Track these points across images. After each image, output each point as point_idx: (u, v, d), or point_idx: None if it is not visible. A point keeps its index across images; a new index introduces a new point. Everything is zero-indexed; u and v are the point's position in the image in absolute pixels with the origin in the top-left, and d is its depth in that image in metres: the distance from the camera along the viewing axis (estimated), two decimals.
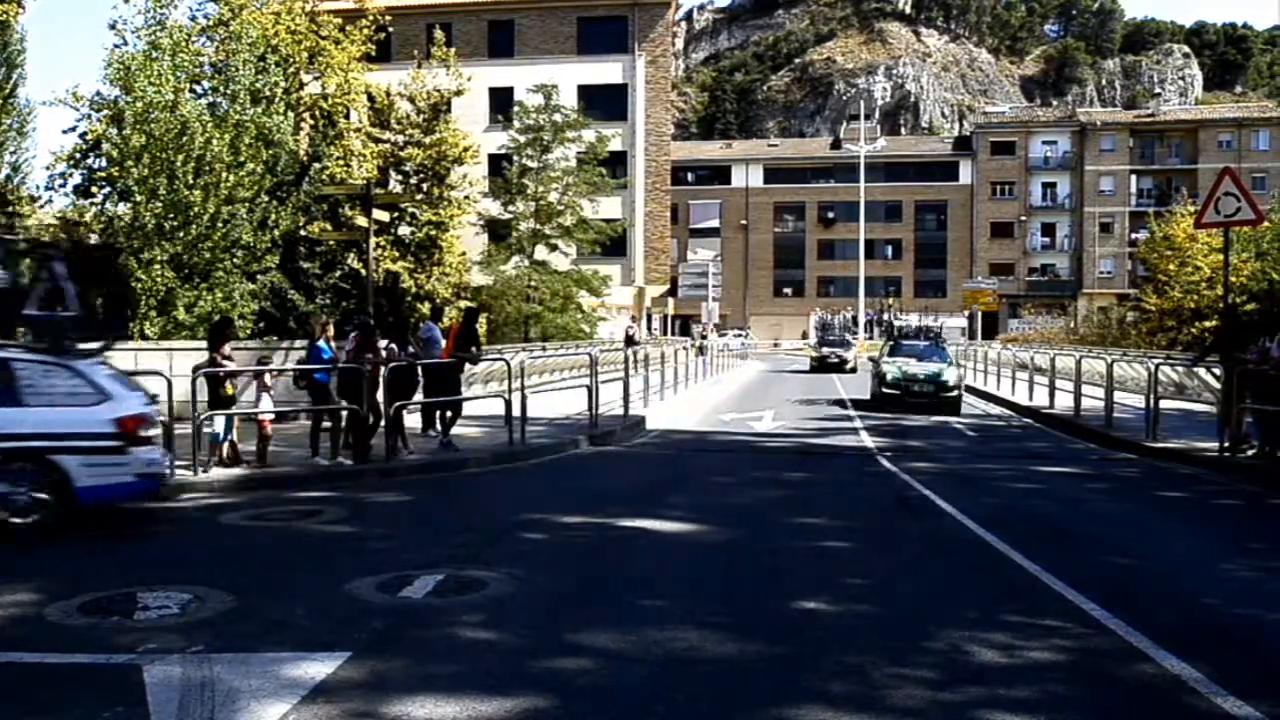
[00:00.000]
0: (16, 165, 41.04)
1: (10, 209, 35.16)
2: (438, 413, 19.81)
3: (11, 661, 7.23)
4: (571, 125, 53.78)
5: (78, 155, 35.20)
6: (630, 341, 38.98)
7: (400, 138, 44.12)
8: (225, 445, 15.89)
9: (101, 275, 23.60)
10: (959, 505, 13.57)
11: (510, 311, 50.34)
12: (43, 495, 11.49)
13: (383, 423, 17.26)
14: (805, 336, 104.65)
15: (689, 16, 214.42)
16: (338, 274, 36.37)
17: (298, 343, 24.10)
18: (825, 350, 56.13)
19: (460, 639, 7.66)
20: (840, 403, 32.64)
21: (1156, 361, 23.70)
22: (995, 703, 6.40)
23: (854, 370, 52.53)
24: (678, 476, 16.71)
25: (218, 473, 15.31)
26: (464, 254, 46.40)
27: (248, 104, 30.76)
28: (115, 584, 9.13)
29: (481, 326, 37.59)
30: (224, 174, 28.80)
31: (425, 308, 36.02)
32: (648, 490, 15.00)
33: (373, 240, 24.70)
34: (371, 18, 41.46)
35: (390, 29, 45.77)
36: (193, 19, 37.90)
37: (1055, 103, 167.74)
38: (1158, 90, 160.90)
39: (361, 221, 26.74)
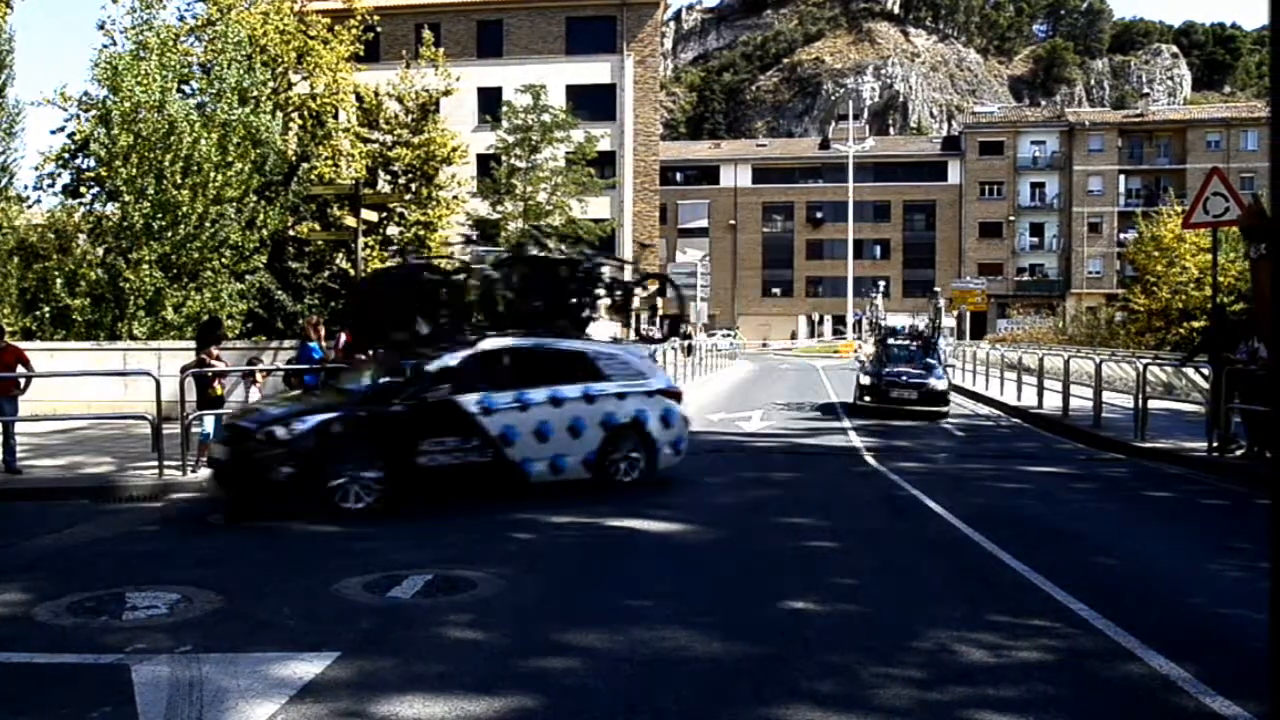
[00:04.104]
0: (4, 165, 40.83)
1: None
2: None
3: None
4: (560, 125, 53.82)
5: (66, 155, 35.12)
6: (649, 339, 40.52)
7: (388, 138, 44.05)
8: (213, 445, 15.87)
9: None
10: (947, 505, 13.59)
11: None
12: None
13: None
14: (794, 337, 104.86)
15: (677, 16, 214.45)
16: (326, 274, 36.31)
17: (286, 343, 24.11)
18: (887, 375, 28.41)
19: (448, 639, 7.67)
20: (829, 403, 32.65)
21: (1145, 361, 23.76)
22: (983, 702, 6.42)
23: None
24: (666, 476, 16.71)
25: (206, 473, 15.28)
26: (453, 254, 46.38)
27: (235, 104, 30.72)
28: (104, 584, 9.12)
29: None
30: (212, 174, 28.79)
31: None
32: (636, 490, 14.99)
33: (361, 240, 24.68)
34: (360, 18, 41.43)
35: (378, 29, 45.76)
36: (181, 19, 37.93)
37: (1044, 103, 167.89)
38: (1146, 90, 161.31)
39: (350, 221, 26.76)
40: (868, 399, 28.54)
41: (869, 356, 33.67)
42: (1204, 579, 10.03)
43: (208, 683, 6.61)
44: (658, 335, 22.74)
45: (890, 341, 32.15)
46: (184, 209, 28.33)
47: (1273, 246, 3.60)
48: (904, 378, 28.25)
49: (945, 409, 28.14)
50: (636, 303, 18.23)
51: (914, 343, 31.74)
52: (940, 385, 28.22)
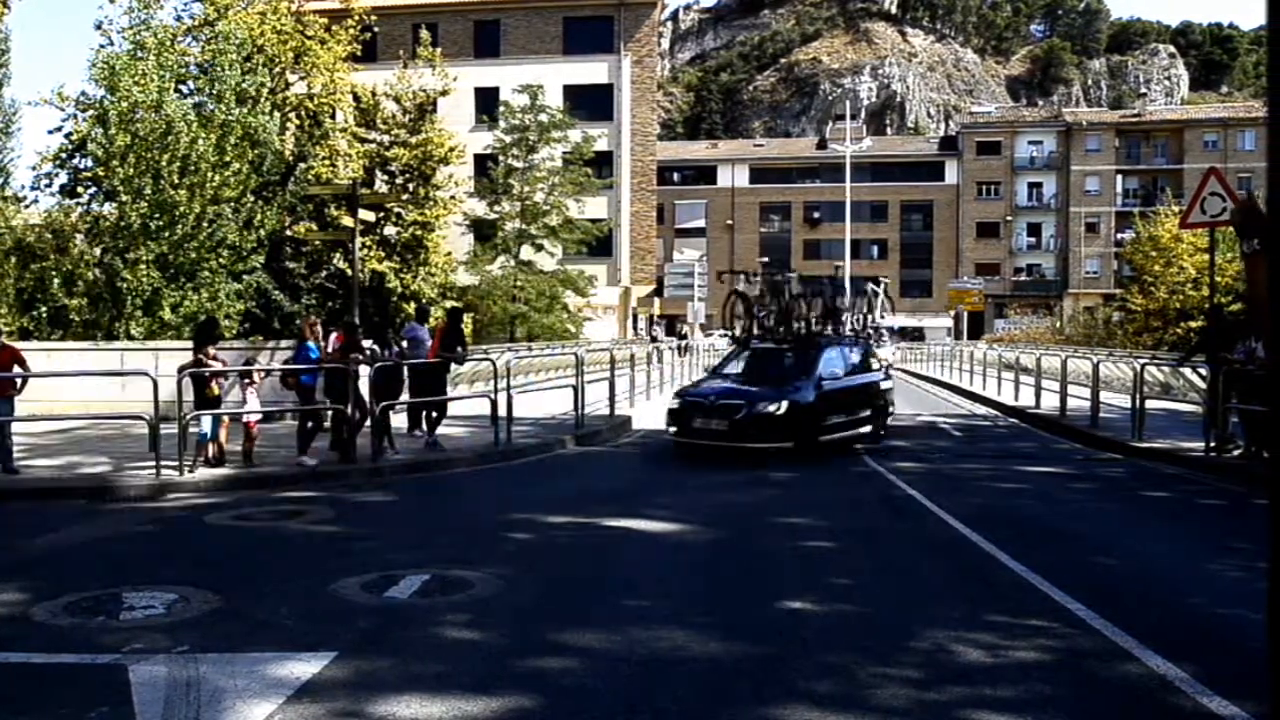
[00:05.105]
0: (1, 165, 40.95)
1: None
2: (423, 413, 19.85)
3: None
4: (557, 125, 53.78)
5: (63, 155, 35.18)
6: (653, 339, 41.28)
7: (386, 138, 44.14)
8: (211, 445, 15.87)
9: None
10: (944, 505, 13.59)
11: (496, 312, 50.35)
12: None
13: (368, 422, 17.27)
14: None
15: (675, 16, 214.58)
16: (323, 274, 36.40)
17: (284, 343, 24.13)
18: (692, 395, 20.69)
19: (446, 639, 7.66)
20: None
21: (1142, 361, 23.75)
22: (980, 702, 6.41)
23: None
24: (663, 476, 16.70)
25: (203, 473, 15.29)
26: (450, 254, 46.46)
27: (233, 104, 30.75)
28: (101, 584, 9.12)
29: (467, 326, 37.65)
30: (209, 174, 28.82)
31: (411, 308, 36.08)
32: (633, 490, 15.02)
33: (358, 240, 24.68)
34: (357, 18, 41.52)
35: (376, 29, 45.87)
36: (178, 19, 37.99)
37: (1041, 103, 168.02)
38: (1143, 90, 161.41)
39: (347, 222, 26.80)
40: (673, 430, 19.53)
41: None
42: (1202, 579, 10.02)
43: (205, 682, 6.60)
44: (660, 335, 21.82)
45: (756, 344, 22.40)
46: (181, 209, 28.36)
47: (1269, 243, 3.57)
48: (714, 397, 19.29)
49: (788, 444, 18.64)
50: None
51: (789, 346, 21.82)
52: (777, 408, 18.62)
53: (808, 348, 21.23)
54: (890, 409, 23.07)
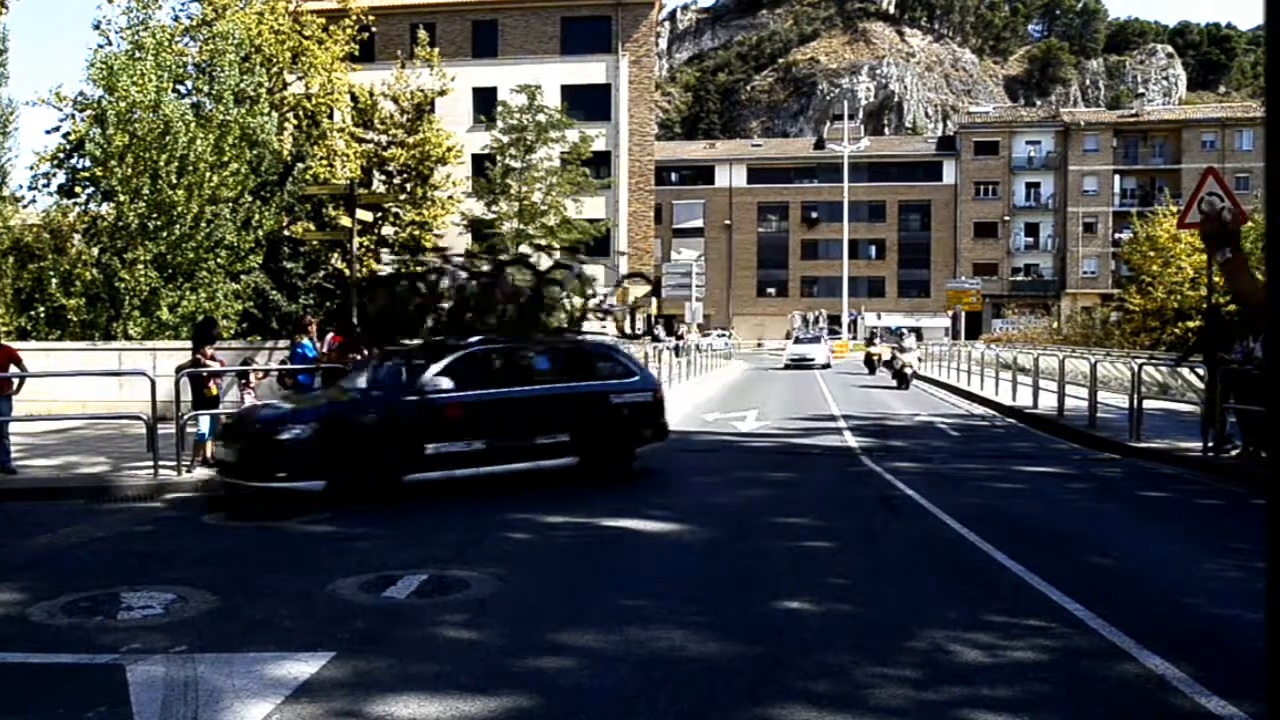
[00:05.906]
0: None
1: None
2: None
3: None
4: (555, 125, 53.76)
5: (61, 155, 35.19)
6: (654, 339, 42.47)
7: (384, 138, 44.12)
8: (209, 445, 15.86)
9: None
10: (942, 505, 13.57)
11: None
12: None
13: None
14: (789, 336, 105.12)
15: (672, 16, 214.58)
16: (321, 274, 36.33)
17: (281, 343, 24.13)
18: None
19: (443, 639, 7.66)
20: (824, 402, 32.66)
21: (1140, 361, 23.73)
22: (978, 702, 6.41)
23: (825, 366, 60.35)
24: (660, 476, 16.67)
25: (201, 473, 15.27)
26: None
27: (231, 104, 30.73)
28: (99, 584, 9.11)
29: None
30: (207, 174, 28.80)
31: None
32: (630, 490, 14.98)
33: (356, 240, 24.67)
34: (355, 17, 41.54)
35: (373, 29, 45.82)
36: (176, 19, 38.00)
37: (1039, 103, 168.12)
38: (1141, 90, 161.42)
39: (345, 221, 26.74)
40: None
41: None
42: (1200, 579, 10.02)
43: (203, 682, 6.60)
44: (640, 332, 20.81)
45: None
46: (179, 209, 28.34)
47: (1269, 244, 3.53)
48: (233, 417, 15.19)
49: (315, 485, 13.28)
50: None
51: (420, 348, 15.91)
52: (298, 431, 13.51)
53: (438, 349, 15.33)
54: (646, 431, 16.78)
